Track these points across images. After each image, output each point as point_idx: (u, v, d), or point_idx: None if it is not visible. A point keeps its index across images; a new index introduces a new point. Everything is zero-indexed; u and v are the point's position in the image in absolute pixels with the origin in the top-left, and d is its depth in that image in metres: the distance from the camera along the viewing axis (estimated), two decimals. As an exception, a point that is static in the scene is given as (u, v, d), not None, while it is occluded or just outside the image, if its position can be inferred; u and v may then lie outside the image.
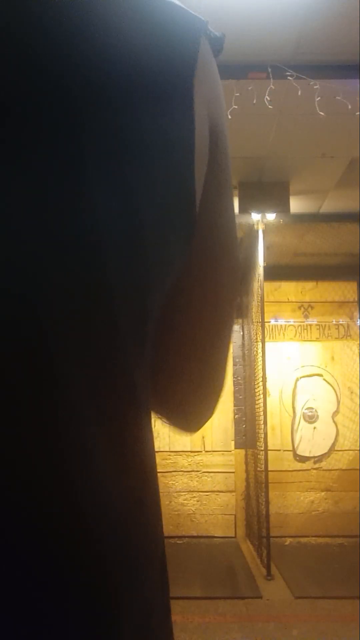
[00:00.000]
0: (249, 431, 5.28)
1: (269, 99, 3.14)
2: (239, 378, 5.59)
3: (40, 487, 0.29)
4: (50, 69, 0.31)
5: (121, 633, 0.31)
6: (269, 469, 4.45)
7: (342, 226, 4.52)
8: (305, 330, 5.70)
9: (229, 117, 2.85)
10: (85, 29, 0.33)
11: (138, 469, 0.36)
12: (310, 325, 5.70)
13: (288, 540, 5.29)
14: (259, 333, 4.63)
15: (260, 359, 4.58)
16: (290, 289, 5.69)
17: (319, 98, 3.13)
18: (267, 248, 4.60)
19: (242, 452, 5.48)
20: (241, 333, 5.59)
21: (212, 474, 5.50)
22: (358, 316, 5.66)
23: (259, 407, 4.65)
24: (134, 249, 0.33)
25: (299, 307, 5.71)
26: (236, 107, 2.97)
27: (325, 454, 5.56)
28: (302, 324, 5.70)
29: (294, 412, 5.61)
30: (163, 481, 5.21)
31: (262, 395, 4.52)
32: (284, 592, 3.96)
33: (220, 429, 5.51)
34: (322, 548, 5.14)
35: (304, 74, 3.05)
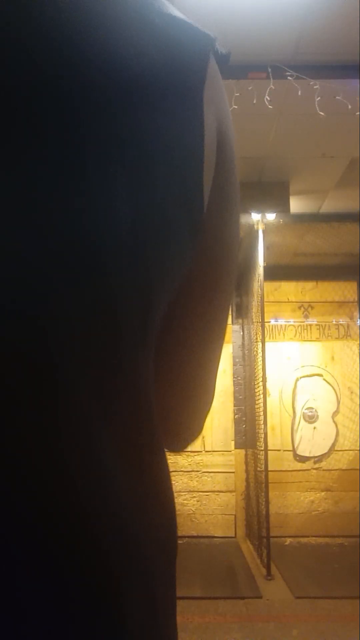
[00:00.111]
0: (249, 431, 5.28)
1: (269, 99, 3.14)
2: (239, 378, 5.59)
3: (42, 485, 0.29)
4: (64, 75, 0.32)
5: (124, 633, 0.31)
6: (269, 469, 4.45)
7: (342, 226, 4.52)
8: (305, 330, 5.70)
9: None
10: (97, 38, 0.34)
11: (146, 467, 0.36)
12: (310, 325, 5.70)
13: (288, 540, 5.29)
14: (259, 333, 4.63)
15: (260, 359, 4.58)
16: (290, 289, 5.69)
17: (319, 98, 3.13)
18: (267, 248, 4.60)
19: (242, 452, 5.48)
20: (241, 333, 5.60)
21: (212, 474, 5.50)
22: (358, 316, 5.66)
23: (259, 407, 4.65)
24: (138, 250, 0.33)
25: (299, 307, 5.71)
26: (236, 107, 2.97)
27: (325, 454, 5.56)
28: (302, 324, 5.70)
29: (294, 412, 5.61)
30: (163, 481, 5.19)
31: (262, 395, 4.52)
32: (284, 592, 3.96)
33: (220, 429, 5.51)
34: (322, 548, 5.14)
35: (304, 74, 3.05)
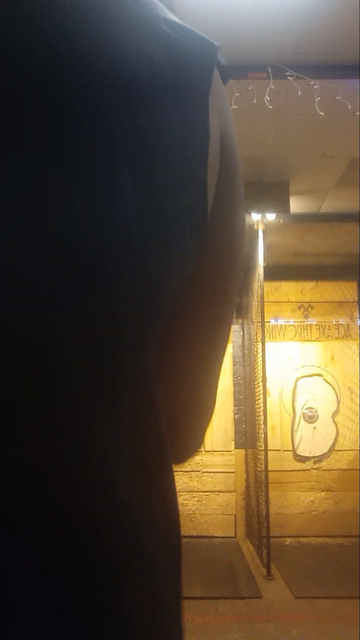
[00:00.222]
0: (249, 431, 5.28)
1: (269, 99, 3.14)
2: (239, 378, 5.59)
3: (43, 485, 0.29)
4: (65, 76, 0.32)
5: (124, 633, 0.31)
6: (269, 469, 4.45)
7: (342, 226, 4.52)
8: (305, 330, 5.70)
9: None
10: (99, 40, 0.34)
11: (150, 466, 0.36)
12: (310, 325, 5.70)
13: (288, 540, 5.29)
14: (259, 333, 4.63)
15: (260, 359, 4.58)
16: (290, 289, 5.69)
17: (319, 98, 3.13)
18: (267, 248, 4.60)
19: (242, 452, 5.48)
20: (241, 333, 5.60)
21: (212, 474, 5.50)
22: (358, 316, 5.66)
23: (259, 407, 4.65)
24: (139, 251, 0.33)
25: (299, 307, 5.71)
26: (236, 107, 2.97)
27: (325, 454, 5.56)
28: (302, 324, 5.70)
29: (294, 412, 5.61)
30: (163, 481, 5.19)
31: (262, 395, 4.52)
32: (284, 592, 3.96)
33: (220, 429, 5.51)
34: (322, 548, 5.13)
35: (304, 74, 3.05)
